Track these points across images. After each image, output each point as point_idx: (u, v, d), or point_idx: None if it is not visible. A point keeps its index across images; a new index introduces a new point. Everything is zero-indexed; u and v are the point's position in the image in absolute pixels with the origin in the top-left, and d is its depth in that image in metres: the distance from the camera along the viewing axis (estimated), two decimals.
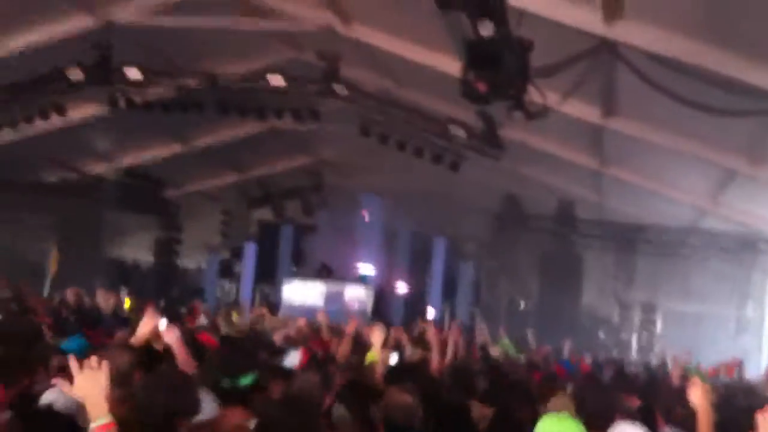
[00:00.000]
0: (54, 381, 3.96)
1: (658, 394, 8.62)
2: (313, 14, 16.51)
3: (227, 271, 27.65)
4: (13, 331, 7.08)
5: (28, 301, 12.98)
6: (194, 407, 4.02)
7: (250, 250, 26.51)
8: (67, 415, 4.74)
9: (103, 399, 3.58)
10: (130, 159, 25.86)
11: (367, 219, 24.21)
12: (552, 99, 12.71)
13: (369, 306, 22.42)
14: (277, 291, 24.21)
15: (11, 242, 26.15)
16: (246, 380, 4.94)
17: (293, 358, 7.26)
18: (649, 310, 24.12)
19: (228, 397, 4.72)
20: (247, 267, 26.38)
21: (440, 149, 18.01)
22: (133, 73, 17.94)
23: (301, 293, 22.68)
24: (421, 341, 9.79)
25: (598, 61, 13.06)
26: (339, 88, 17.43)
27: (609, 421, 4.98)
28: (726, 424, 5.66)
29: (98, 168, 26.17)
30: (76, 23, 16.97)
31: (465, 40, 10.34)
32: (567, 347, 14.51)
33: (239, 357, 5.33)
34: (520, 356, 12.77)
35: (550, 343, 15.71)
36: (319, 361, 7.51)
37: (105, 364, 3.65)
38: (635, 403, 7.42)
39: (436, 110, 18.39)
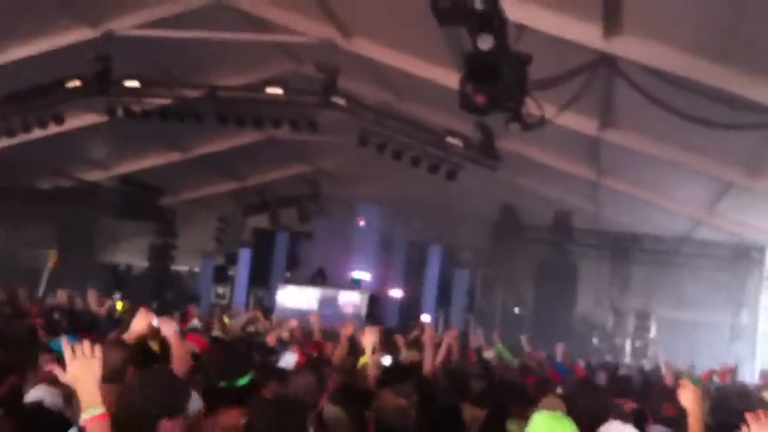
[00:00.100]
0: (49, 368, 3.83)
1: (650, 395, 8.73)
2: (314, 28, 16.58)
3: (222, 276, 27.67)
4: (4, 333, 7.11)
5: (21, 304, 13.05)
6: (182, 406, 3.97)
7: (245, 256, 26.56)
8: (56, 411, 4.78)
9: (96, 388, 3.44)
10: (127, 167, 25.89)
11: (363, 224, 24.23)
12: (549, 111, 12.79)
13: (363, 311, 22.46)
14: (271, 296, 24.24)
15: (7, 247, 26.14)
16: (242, 381, 4.98)
17: (289, 360, 7.31)
18: (643, 317, 24.22)
19: (224, 398, 4.73)
20: (242, 272, 26.44)
21: (437, 159, 18.07)
22: (132, 84, 17.99)
23: (295, 298, 22.70)
24: (416, 344, 9.85)
25: (596, 74, 13.17)
26: (338, 100, 17.50)
27: (601, 422, 5.03)
28: (720, 426, 5.74)
29: (95, 175, 26.20)
30: (77, 34, 17.05)
31: (464, 52, 10.41)
32: (560, 351, 14.59)
33: (236, 358, 5.34)
34: (514, 360, 12.88)
35: (545, 349, 15.82)
36: (314, 362, 7.56)
37: (98, 350, 3.51)
38: (630, 405, 7.49)
39: (434, 122, 18.49)
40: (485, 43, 9.60)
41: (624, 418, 5.46)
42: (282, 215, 28.47)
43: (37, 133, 19.43)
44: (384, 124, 18.03)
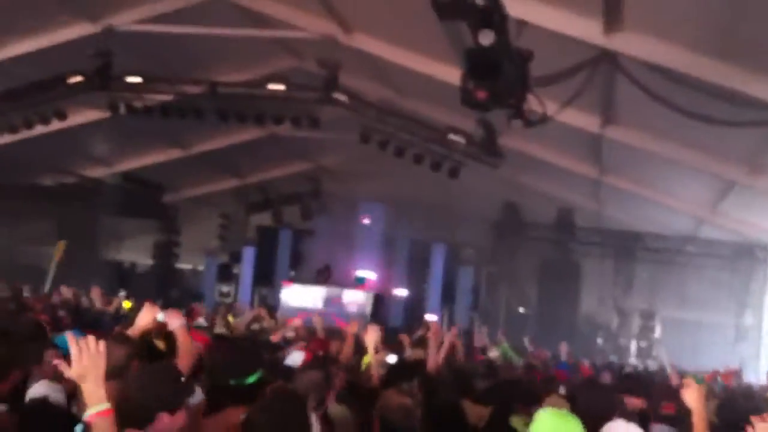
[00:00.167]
0: (54, 362, 3.78)
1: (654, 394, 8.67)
2: (315, 23, 16.54)
3: (226, 274, 27.69)
4: (8, 329, 7.09)
5: (25, 300, 13.06)
6: (182, 401, 3.91)
7: (249, 254, 26.55)
8: (60, 406, 4.77)
9: (101, 384, 3.40)
10: (129, 164, 25.89)
11: (367, 222, 24.19)
12: (551, 108, 12.72)
13: (368, 310, 22.43)
14: (276, 294, 24.21)
15: (9, 245, 26.17)
16: (252, 379, 4.95)
17: (296, 358, 7.27)
18: (647, 317, 24.14)
19: (233, 396, 4.69)
20: (246, 270, 26.43)
21: (439, 157, 18.02)
22: (134, 80, 17.99)
23: (299, 297, 22.66)
24: (421, 343, 9.81)
25: (597, 71, 13.10)
26: (339, 97, 17.47)
27: (606, 420, 4.97)
28: (725, 427, 5.68)
29: (97, 172, 26.22)
30: (78, 30, 17.06)
31: (465, 48, 10.37)
32: (564, 351, 14.54)
33: (245, 356, 5.31)
34: (519, 359, 12.83)
35: (549, 349, 15.75)
36: (321, 360, 7.51)
37: (103, 345, 3.45)
38: (637, 403, 7.42)
39: (436, 119, 18.43)
40: (486, 38, 9.56)
41: (628, 416, 5.39)
42: (285, 213, 28.49)
43: (38, 130, 19.47)
44: (386, 121, 18.00)
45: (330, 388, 5.47)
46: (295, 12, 16.42)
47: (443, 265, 24.74)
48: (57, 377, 4.93)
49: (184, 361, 5.26)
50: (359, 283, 23.36)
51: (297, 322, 11.94)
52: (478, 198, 23.24)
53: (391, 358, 8.07)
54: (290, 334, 10.93)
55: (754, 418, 4.11)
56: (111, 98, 18.75)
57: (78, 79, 17.89)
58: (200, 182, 28.33)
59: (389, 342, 9.54)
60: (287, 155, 26.04)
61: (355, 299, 22.57)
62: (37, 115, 18.88)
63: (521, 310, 25.71)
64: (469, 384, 7.42)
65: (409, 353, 9.26)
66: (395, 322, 21.83)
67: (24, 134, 19.56)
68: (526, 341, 15.63)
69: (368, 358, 7.50)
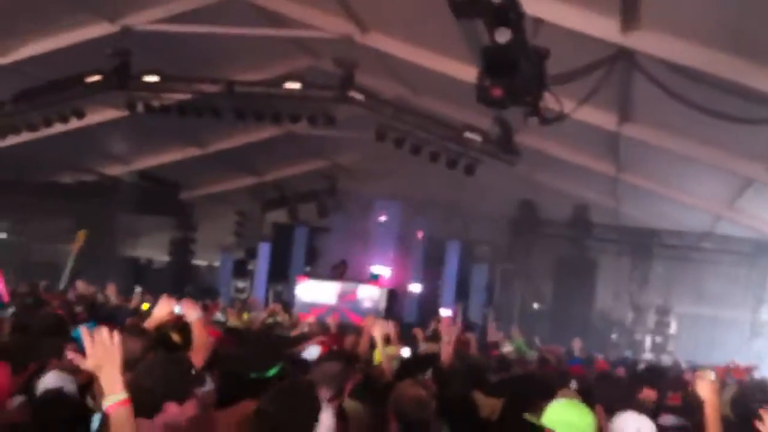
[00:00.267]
0: (70, 356, 3.82)
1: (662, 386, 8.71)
2: (331, 23, 16.58)
3: (241, 270, 27.77)
4: (27, 322, 7.19)
5: (41, 295, 13.21)
6: (190, 391, 3.98)
7: (264, 250, 26.62)
8: (73, 397, 4.83)
9: (118, 374, 3.38)
10: (146, 162, 26.04)
11: (384, 219, 24.21)
12: (568, 106, 12.74)
13: (382, 305, 22.46)
14: (290, 290, 24.29)
15: (27, 242, 26.38)
16: (272, 372, 5.00)
17: (313, 352, 7.33)
18: (663, 313, 24.10)
19: (253, 389, 4.67)
20: (261, 266, 26.49)
21: (455, 154, 18.04)
22: (151, 79, 18.10)
23: (314, 292, 22.72)
24: (434, 337, 9.88)
25: (614, 69, 13.10)
26: (355, 95, 17.52)
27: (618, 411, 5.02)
28: (741, 421, 5.70)
29: (115, 170, 26.38)
30: (96, 30, 17.15)
31: (481, 46, 10.41)
32: (577, 346, 14.56)
33: (266, 350, 5.36)
34: (534, 354, 12.89)
35: (562, 345, 15.80)
36: (340, 352, 7.55)
37: (117, 336, 3.43)
38: (649, 395, 7.45)
39: (452, 117, 18.46)
40: (503, 36, 9.60)
41: (641, 409, 5.43)
42: (300, 210, 28.57)
43: (57, 128, 19.62)
44: (402, 119, 18.03)
45: (348, 380, 5.53)
46: (311, 11, 16.46)
47: (458, 262, 24.76)
48: (71, 369, 4.97)
49: (199, 353, 5.35)
50: (373, 279, 23.41)
51: (310, 319, 12.05)
52: (493, 196, 23.25)
53: (405, 352, 8.12)
54: (304, 329, 11.05)
55: (763, 411, 4.09)
56: (129, 97, 18.88)
57: (96, 78, 18.03)
58: (217, 180, 28.44)
59: (404, 337, 9.60)
60: (303, 153, 26.11)
61: (369, 295, 22.56)
62: (56, 114, 19.03)
63: (536, 306, 25.71)
64: (482, 377, 7.45)
65: (423, 347, 9.35)
66: (409, 318, 21.85)
67: (43, 133, 19.71)
68: (537, 341, 15.67)
69: (378, 353, 7.54)
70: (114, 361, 3.40)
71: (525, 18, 9.77)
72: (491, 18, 9.65)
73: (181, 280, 27.48)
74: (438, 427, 5.37)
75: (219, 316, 13.42)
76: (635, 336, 24.31)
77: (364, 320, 8.95)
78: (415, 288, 24.71)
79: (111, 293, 13.39)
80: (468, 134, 17.57)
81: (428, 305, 24.00)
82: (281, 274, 26.06)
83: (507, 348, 12.45)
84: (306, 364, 6.33)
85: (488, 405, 6.29)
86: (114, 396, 3.37)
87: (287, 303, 21.48)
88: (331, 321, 11.74)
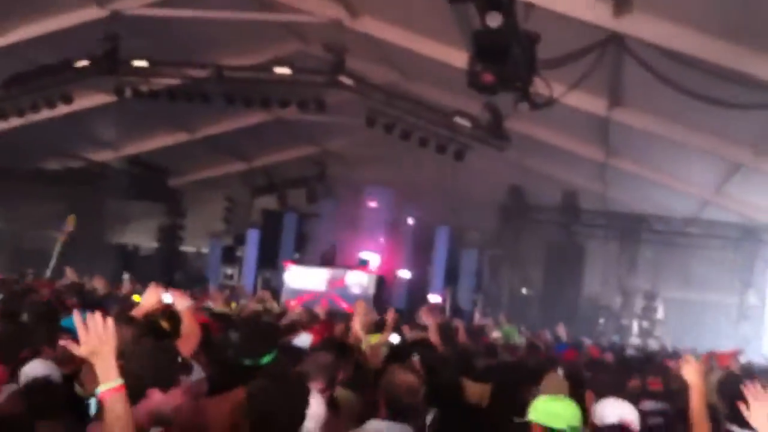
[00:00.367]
0: (63, 343, 3.76)
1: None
2: (321, 7, 16.54)
3: (230, 256, 27.75)
4: (17, 310, 7.16)
5: (31, 282, 13.16)
6: (175, 379, 3.97)
7: (253, 237, 26.61)
8: (62, 384, 4.80)
9: (113, 360, 3.36)
10: (135, 147, 25.94)
11: (373, 205, 24.22)
12: (558, 90, 12.75)
13: (371, 291, 22.50)
14: (279, 277, 24.30)
15: (15, 229, 26.23)
16: (266, 359, 5.01)
17: (304, 339, 7.34)
18: (650, 298, 24.23)
19: (246, 376, 4.68)
20: (250, 253, 26.49)
21: (445, 139, 18.04)
22: (141, 64, 18.01)
23: (302, 278, 22.72)
24: (419, 325, 9.91)
25: (605, 53, 13.10)
26: (345, 80, 17.48)
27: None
28: (726, 406, 5.74)
29: (103, 156, 26.25)
30: (84, 14, 17.01)
31: (472, 31, 10.39)
32: (562, 331, 14.60)
33: (261, 337, 5.37)
34: (522, 340, 12.94)
35: (550, 330, 15.85)
36: (331, 342, 7.56)
37: (110, 322, 3.40)
38: (635, 383, 7.52)
39: (442, 102, 18.44)
40: (494, 20, 9.60)
41: (625, 395, 5.48)
42: (290, 196, 28.53)
43: (45, 114, 19.50)
44: (392, 105, 18.01)
45: (340, 369, 5.53)
46: None
47: (447, 248, 24.82)
48: (63, 357, 4.98)
49: (188, 341, 5.34)
50: (363, 264, 23.44)
51: (297, 307, 12.06)
52: (483, 181, 23.27)
53: (395, 338, 8.15)
54: (293, 317, 11.04)
55: (747, 393, 4.04)
56: (117, 82, 18.78)
57: (85, 63, 17.92)
58: (206, 166, 28.34)
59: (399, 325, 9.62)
60: (293, 139, 26.05)
61: (358, 281, 22.61)
62: (43, 99, 18.90)
63: (524, 291, 25.80)
64: (469, 363, 7.49)
65: (410, 334, 9.38)
66: (398, 304, 21.90)
67: (30, 118, 19.58)
68: (522, 329, 15.72)
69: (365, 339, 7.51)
70: (108, 347, 3.38)
71: (516, 2, 9.77)
72: (482, 2, 9.65)
73: (169, 266, 27.45)
74: (425, 412, 5.39)
75: (210, 303, 13.38)
76: (623, 321, 24.44)
77: (353, 307, 8.99)
78: (405, 274, 24.77)
79: (99, 285, 13.28)
80: (458, 119, 17.57)
81: (417, 291, 24.07)
82: (270, 261, 26.08)
83: (495, 334, 12.51)
84: (298, 352, 6.33)
85: (476, 391, 6.34)
86: (109, 382, 3.36)
87: (276, 290, 21.51)
88: (319, 309, 11.76)
